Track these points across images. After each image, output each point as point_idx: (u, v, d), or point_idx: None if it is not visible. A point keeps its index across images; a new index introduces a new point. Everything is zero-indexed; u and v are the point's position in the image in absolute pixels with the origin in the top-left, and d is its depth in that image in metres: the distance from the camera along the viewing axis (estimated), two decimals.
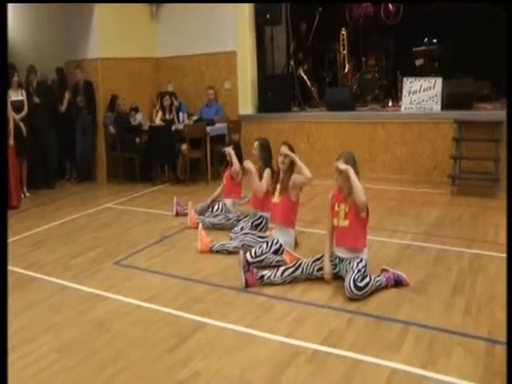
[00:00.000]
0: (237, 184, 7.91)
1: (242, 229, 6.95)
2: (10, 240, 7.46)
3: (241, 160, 7.81)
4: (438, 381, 3.76)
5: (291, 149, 6.26)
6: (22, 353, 4.42)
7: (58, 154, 11.65)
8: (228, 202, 7.89)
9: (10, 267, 6.40)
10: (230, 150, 7.88)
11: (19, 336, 4.71)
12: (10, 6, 13.05)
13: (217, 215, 7.74)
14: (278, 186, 6.31)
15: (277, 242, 6.13)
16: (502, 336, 4.14)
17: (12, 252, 6.99)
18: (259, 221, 7.01)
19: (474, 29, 10.81)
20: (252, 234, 6.68)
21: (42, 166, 10.97)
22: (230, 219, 7.58)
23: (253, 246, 6.25)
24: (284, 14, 12.32)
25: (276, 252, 6.08)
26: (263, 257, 5.98)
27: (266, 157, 7.04)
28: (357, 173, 5.29)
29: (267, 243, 6.13)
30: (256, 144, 7.17)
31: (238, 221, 7.39)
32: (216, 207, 7.92)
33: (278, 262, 5.97)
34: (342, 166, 5.31)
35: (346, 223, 5.36)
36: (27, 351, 4.44)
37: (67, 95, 11.48)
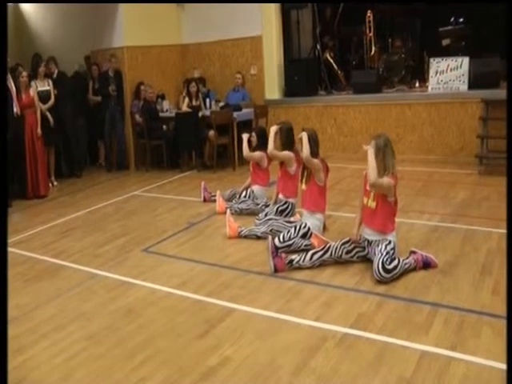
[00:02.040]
0: (263, 171, 7.84)
1: (266, 215, 6.91)
2: (39, 229, 7.63)
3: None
4: (468, 362, 3.72)
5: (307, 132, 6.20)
6: (52, 340, 4.46)
7: (89, 141, 11.79)
8: (256, 188, 7.84)
9: (38, 256, 6.54)
10: (244, 138, 7.85)
11: (49, 324, 4.76)
12: None
13: (244, 201, 7.72)
14: (305, 173, 6.29)
15: (305, 226, 6.10)
16: None
17: (41, 241, 7.11)
18: (285, 206, 6.96)
19: (501, 7, 10.61)
20: (278, 220, 6.64)
21: (69, 155, 11.05)
22: (258, 204, 7.56)
23: (281, 231, 6.23)
24: None
25: (304, 236, 6.05)
26: (291, 241, 5.95)
27: (287, 142, 6.93)
28: (393, 156, 5.32)
29: (295, 228, 6.09)
30: (275, 128, 7.02)
31: (266, 206, 7.35)
32: (244, 194, 7.87)
33: (306, 246, 5.94)
34: (365, 147, 5.39)
35: (373, 205, 5.35)
36: (57, 339, 4.48)
37: (91, 84, 11.59)
